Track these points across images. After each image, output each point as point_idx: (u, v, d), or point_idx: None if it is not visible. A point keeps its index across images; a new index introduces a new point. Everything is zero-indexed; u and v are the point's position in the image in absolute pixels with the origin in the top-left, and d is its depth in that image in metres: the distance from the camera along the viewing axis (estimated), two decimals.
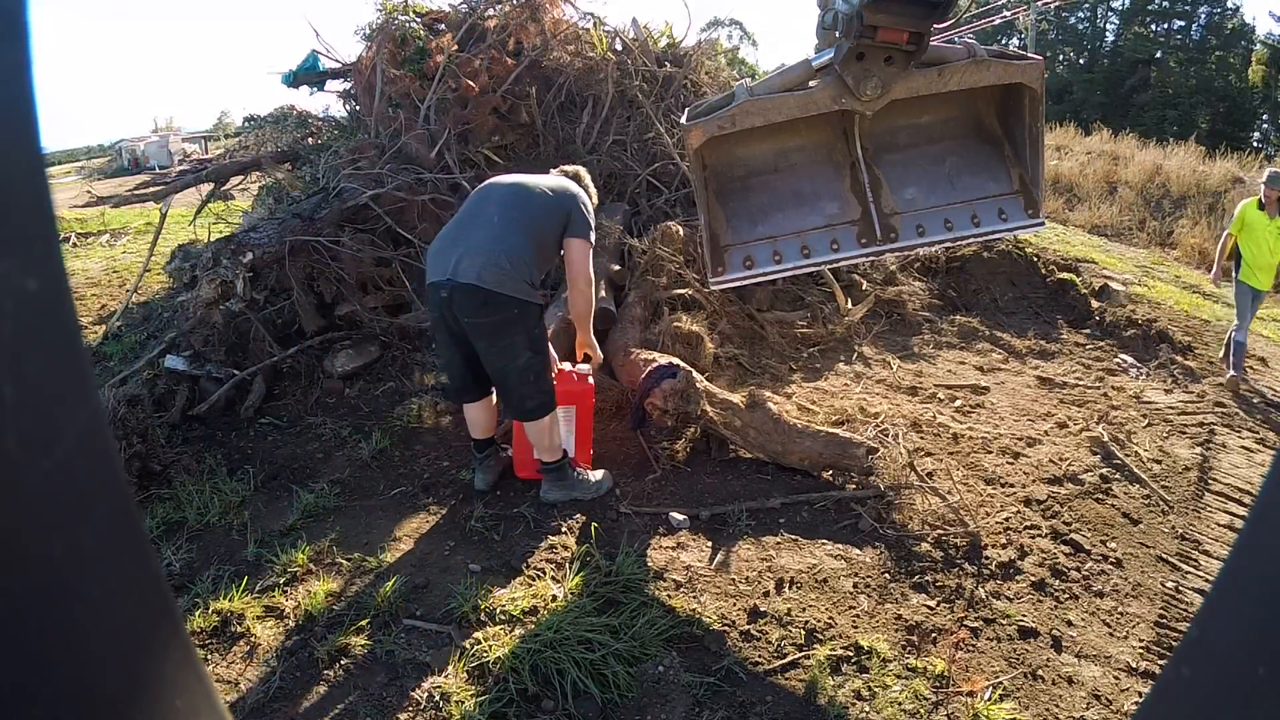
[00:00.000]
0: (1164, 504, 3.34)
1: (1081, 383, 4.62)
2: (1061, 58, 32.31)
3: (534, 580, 2.54)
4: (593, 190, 3.23)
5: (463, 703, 2.03)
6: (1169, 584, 2.82)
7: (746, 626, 2.40)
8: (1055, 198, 11.82)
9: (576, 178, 3.18)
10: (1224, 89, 28.07)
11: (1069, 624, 2.53)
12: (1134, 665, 2.37)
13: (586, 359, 3.26)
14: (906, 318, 5.32)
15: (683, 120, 3.39)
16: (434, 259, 2.83)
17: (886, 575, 2.69)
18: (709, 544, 2.84)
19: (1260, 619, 0.35)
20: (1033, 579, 2.72)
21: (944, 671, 2.24)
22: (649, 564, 2.67)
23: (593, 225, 2.99)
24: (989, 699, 2.16)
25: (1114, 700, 2.22)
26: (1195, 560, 2.99)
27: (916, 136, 3.46)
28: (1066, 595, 2.68)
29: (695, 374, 3.38)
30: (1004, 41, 28.72)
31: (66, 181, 22.99)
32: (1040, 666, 2.33)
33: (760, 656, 2.29)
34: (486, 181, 3.09)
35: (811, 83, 3.18)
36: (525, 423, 2.94)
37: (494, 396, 3.08)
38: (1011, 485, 3.34)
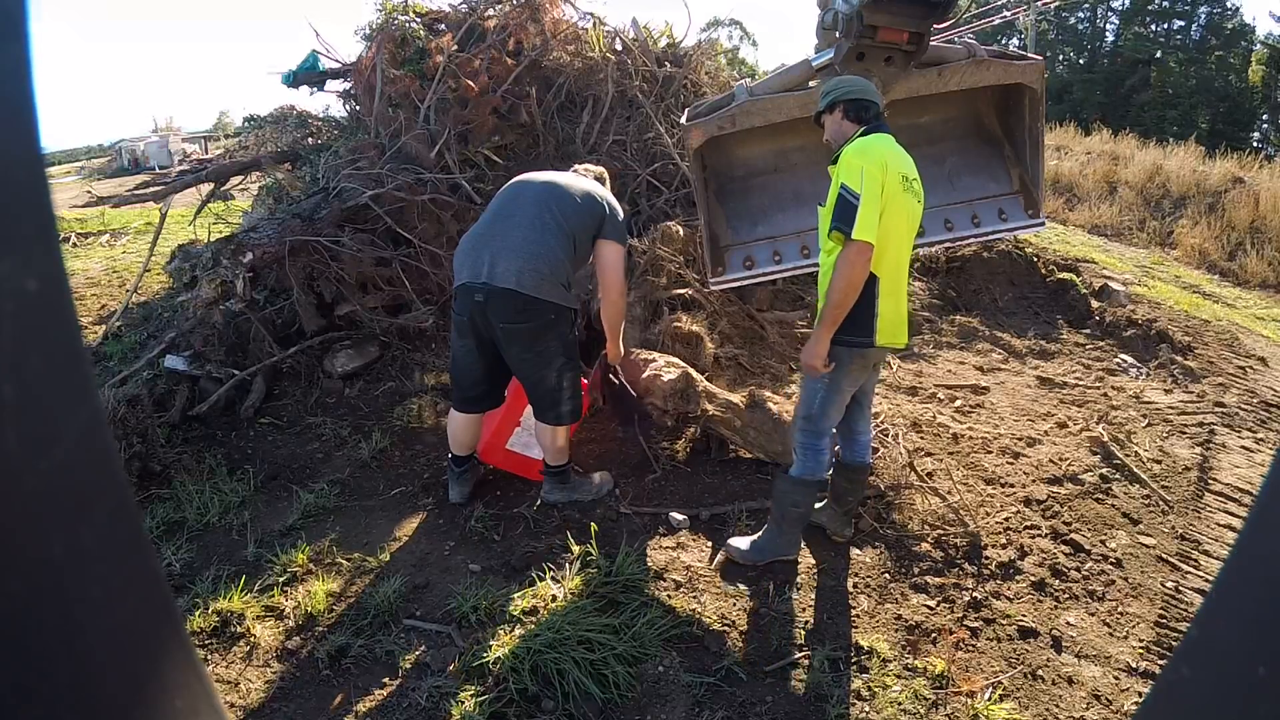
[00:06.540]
0: (1164, 504, 3.33)
1: (1081, 383, 4.62)
2: (1061, 58, 32.31)
3: (534, 580, 2.54)
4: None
5: (463, 703, 2.03)
6: (1169, 584, 2.81)
7: (746, 626, 2.40)
8: (1055, 198, 11.80)
9: (601, 180, 3.07)
10: (1224, 89, 28.06)
11: (1069, 624, 2.53)
12: (1134, 665, 2.37)
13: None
14: None
15: (683, 120, 3.39)
16: (465, 258, 2.73)
17: (886, 575, 2.69)
18: (709, 544, 2.84)
19: (1260, 619, 0.35)
20: (1032, 579, 2.72)
21: (944, 671, 2.24)
22: (649, 564, 2.67)
23: (625, 229, 2.90)
24: (989, 699, 2.16)
25: (1114, 700, 2.22)
26: (1195, 560, 2.99)
27: (916, 137, 3.47)
28: (1066, 595, 2.67)
29: (695, 374, 3.38)
30: (1004, 41, 28.71)
31: (66, 181, 23.00)
32: (1040, 666, 2.33)
33: (760, 656, 2.29)
34: (517, 179, 2.98)
35: (811, 83, 3.18)
36: (548, 426, 2.90)
37: (485, 415, 3.02)
38: (1011, 485, 3.33)
